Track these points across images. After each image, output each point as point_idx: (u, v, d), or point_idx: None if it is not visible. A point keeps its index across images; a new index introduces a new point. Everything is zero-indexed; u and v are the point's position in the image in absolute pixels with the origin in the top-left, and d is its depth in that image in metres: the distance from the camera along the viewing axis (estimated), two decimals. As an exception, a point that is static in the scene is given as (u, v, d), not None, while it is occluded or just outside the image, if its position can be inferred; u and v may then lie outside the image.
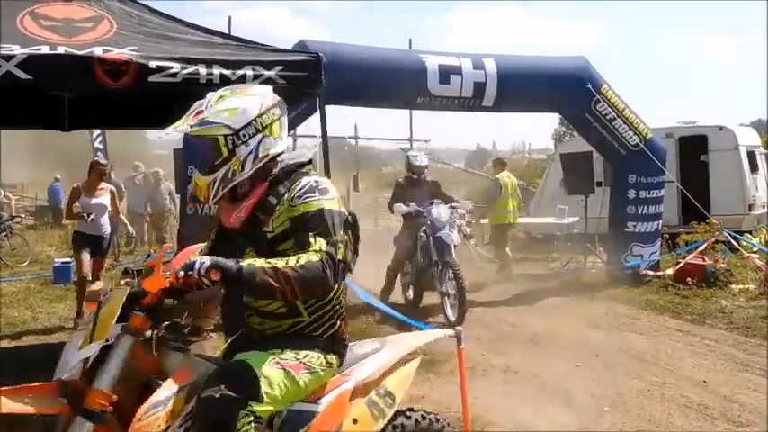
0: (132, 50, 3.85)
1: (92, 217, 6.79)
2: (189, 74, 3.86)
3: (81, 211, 6.81)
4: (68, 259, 9.96)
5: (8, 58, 3.57)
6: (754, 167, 12.17)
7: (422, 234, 7.26)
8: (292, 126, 8.17)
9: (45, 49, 3.70)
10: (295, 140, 11.95)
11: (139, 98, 5.08)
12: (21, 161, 22.84)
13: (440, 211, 7.17)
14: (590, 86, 8.47)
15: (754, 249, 9.17)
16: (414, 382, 4.99)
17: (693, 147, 12.10)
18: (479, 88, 8.00)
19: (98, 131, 11.67)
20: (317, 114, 7.48)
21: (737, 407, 4.48)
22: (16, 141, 19.09)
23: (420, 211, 7.27)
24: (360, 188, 13.35)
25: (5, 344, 6.42)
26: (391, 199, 7.79)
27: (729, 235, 9.10)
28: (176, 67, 3.83)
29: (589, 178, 10.09)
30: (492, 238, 10.90)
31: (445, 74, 7.87)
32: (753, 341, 6.15)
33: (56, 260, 10.09)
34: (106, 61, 3.71)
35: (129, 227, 7.99)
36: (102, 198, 6.97)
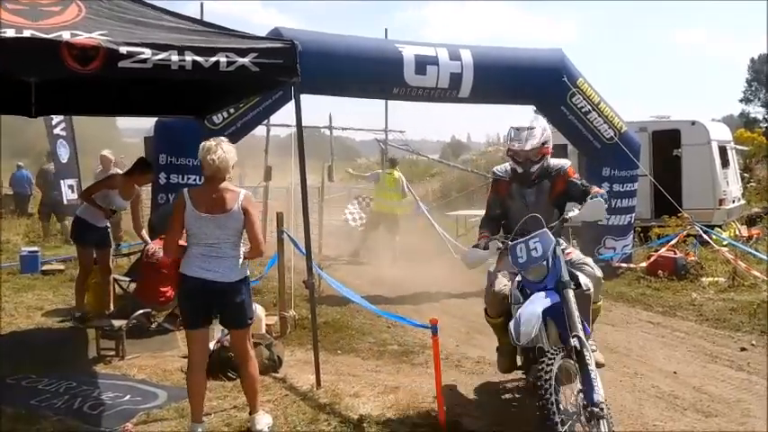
0: (102, 35, 3.72)
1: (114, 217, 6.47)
2: (160, 60, 3.74)
3: (107, 207, 6.41)
4: (35, 248, 9.74)
5: (-29, 41, 3.42)
6: (725, 162, 12.41)
7: (512, 302, 3.98)
8: (266, 115, 8.07)
9: (10, 33, 3.55)
10: (269, 130, 11.78)
11: (109, 84, 4.94)
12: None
13: (535, 249, 3.73)
14: (566, 79, 8.52)
15: (724, 243, 9.34)
16: (387, 372, 5.05)
17: (666, 141, 12.27)
18: (456, 79, 7.98)
19: (59, 118, 11.18)
20: (291, 103, 7.44)
21: (707, 397, 4.57)
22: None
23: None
24: (334, 179, 13.33)
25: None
26: (485, 212, 4.55)
27: (701, 229, 9.25)
28: (147, 52, 3.70)
29: (564, 171, 10.16)
30: (368, 222, 11.91)
31: (421, 64, 7.83)
32: (722, 333, 6.29)
33: (23, 249, 9.85)
34: (74, 46, 3.57)
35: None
36: (131, 201, 6.69)
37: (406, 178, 13.89)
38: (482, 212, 4.74)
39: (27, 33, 3.55)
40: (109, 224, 6.74)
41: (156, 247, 6.45)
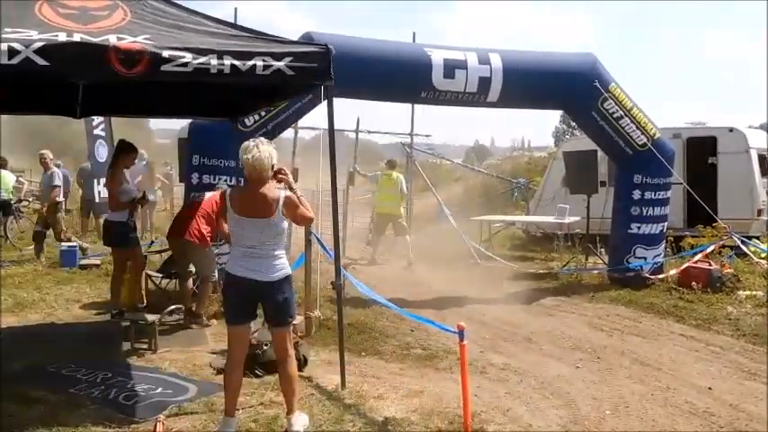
0: (146, 39, 3.85)
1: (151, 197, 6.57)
2: (200, 64, 3.85)
3: (130, 200, 6.44)
4: (74, 244, 10.02)
5: (27, 43, 3.57)
6: (764, 171, 11.98)
7: None
8: (296, 117, 8.16)
9: (62, 36, 3.70)
10: (296, 133, 11.88)
11: (149, 86, 5.09)
12: (20, 147, 22.99)
13: None
14: (597, 84, 8.36)
15: (763, 255, 9.01)
16: (411, 375, 5.07)
17: (701, 148, 11.98)
18: (484, 83, 7.91)
19: (100, 119, 11.50)
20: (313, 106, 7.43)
21: (744, 416, 4.40)
22: (10, 128, 19.13)
23: None
24: (355, 183, 13.29)
25: (14, 322, 6.50)
26: None
27: (739, 239, 8.95)
28: (188, 56, 3.82)
29: (593, 178, 10.03)
30: (375, 226, 11.92)
31: (450, 68, 7.77)
32: (761, 349, 6.00)
33: (62, 244, 10.14)
34: (121, 50, 3.71)
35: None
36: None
37: (431, 181, 13.85)
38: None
39: (77, 37, 3.69)
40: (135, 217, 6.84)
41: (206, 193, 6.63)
